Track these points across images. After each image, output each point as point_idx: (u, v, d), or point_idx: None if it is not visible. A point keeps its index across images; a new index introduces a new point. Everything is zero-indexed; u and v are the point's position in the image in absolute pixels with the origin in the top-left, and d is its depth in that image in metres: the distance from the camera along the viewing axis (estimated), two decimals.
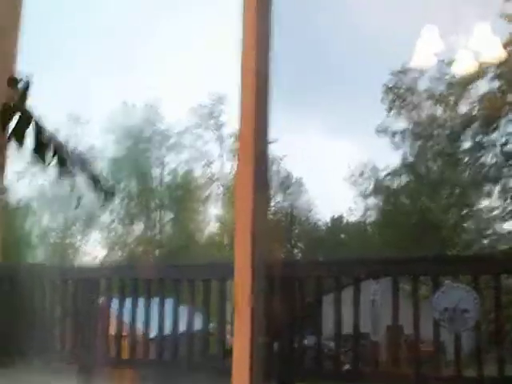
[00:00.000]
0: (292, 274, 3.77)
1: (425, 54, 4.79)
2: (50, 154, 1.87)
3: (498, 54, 4.97)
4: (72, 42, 8.00)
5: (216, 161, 12.18)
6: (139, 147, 11.79)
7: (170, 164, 12.36)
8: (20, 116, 1.87)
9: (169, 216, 11.91)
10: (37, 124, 1.90)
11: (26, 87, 1.94)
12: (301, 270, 3.89)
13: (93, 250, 12.03)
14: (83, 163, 1.90)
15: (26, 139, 1.87)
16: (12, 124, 1.97)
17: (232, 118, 11.42)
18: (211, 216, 11.83)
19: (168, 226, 11.95)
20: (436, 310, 3.23)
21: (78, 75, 8.71)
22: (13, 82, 1.94)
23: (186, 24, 8.78)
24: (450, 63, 5.56)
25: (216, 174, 11.71)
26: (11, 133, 1.90)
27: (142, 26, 8.77)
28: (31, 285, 4.21)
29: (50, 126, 2.11)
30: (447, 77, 6.61)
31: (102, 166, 10.80)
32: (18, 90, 1.94)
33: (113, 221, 11.75)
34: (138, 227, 12.02)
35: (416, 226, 7.82)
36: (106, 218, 12.22)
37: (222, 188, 11.46)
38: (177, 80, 9.64)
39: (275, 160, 10.20)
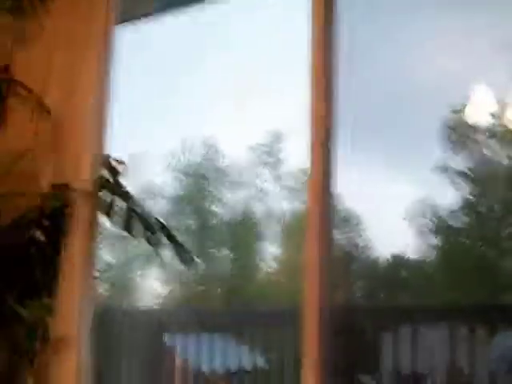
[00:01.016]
0: (352, 316, 3.85)
1: (477, 112, 4.86)
2: (136, 226, 2.03)
3: None
4: (131, 80, 8.27)
5: (273, 199, 12.29)
6: (198, 185, 12.02)
7: (229, 202, 12.52)
8: (112, 192, 2.04)
9: (227, 253, 12.06)
10: (128, 201, 2.06)
11: (121, 170, 2.11)
12: (360, 313, 3.96)
13: (153, 286, 12.26)
14: (165, 230, 2.04)
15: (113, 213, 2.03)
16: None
17: (289, 157, 11.53)
18: (268, 254, 11.93)
19: (226, 263, 12.09)
20: (492, 357, 3.27)
21: (137, 114, 9.04)
22: (108, 163, 2.11)
23: (245, 63, 9.01)
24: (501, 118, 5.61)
25: (273, 212, 11.83)
26: (104, 207, 2.07)
27: (200, 64, 9.05)
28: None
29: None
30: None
31: (162, 204, 11.06)
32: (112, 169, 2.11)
33: (172, 258, 11.93)
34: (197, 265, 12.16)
35: (475, 268, 7.76)
36: (165, 255, 12.33)
37: (279, 226, 11.57)
38: (235, 118, 9.85)
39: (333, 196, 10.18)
